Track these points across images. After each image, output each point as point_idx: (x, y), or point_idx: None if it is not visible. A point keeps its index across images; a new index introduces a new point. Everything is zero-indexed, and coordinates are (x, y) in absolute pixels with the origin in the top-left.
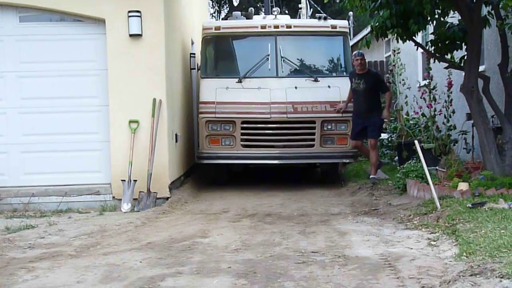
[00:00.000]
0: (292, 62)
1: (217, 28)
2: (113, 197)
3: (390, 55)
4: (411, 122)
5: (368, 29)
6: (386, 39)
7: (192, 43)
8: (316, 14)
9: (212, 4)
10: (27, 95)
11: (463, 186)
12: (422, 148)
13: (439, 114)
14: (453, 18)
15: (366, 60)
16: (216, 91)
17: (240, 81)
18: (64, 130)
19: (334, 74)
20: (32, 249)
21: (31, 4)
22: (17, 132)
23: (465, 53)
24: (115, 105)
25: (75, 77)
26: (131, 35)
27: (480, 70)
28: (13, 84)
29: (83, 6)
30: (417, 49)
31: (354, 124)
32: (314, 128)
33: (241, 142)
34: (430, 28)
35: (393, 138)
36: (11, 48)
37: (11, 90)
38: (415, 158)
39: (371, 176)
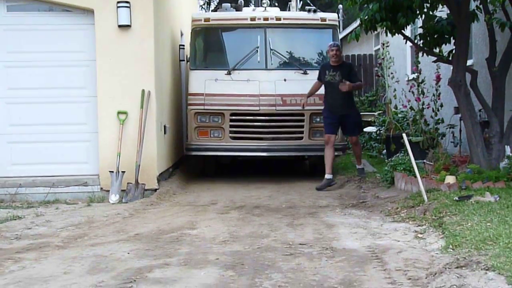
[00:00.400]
0: (282, 55)
1: (207, 20)
2: (101, 188)
3: (379, 49)
4: (399, 115)
5: (358, 22)
6: (375, 32)
7: (182, 34)
8: (306, 7)
9: None
10: (14, 85)
11: (450, 179)
12: (410, 141)
13: (427, 108)
14: (442, 12)
15: (357, 54)
16: (205, 83)
17: (229, 73)
18: (52, 121)
19: None
20: (19, 240)
21: None
22: (4, 122)
23: (454, 47)
24: (103, 96)
25: (63, 68)
26: (120, 26)
27: (468, 64)
28: (0, 74)
29: None
30: (406, 43)
31: (328, 118)
32: (303, 120)
33: (230, 134)
34: (419, 22)
35: (381, 131)
36: None
37: None
38: (403, 151)
39: (358, 167)
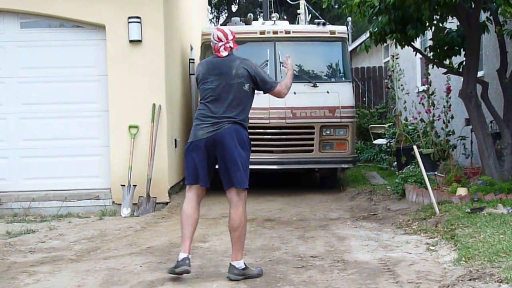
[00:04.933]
0: None
1: None
2: (113, 202)
3: (388, 61)
4: (409, 127)
5: (367, 34)
6: (385, 44)
7: (191, 48)
8: (315, 20)
9: (211, 10)
10: (27, 100)
11: (462, 191)
12: (420, 153)
13: (438, 120)
14: (452, 23)
15: (366, 66)
16: None
17: None
18: (64, 135)
19: (333, 80)
20: (33, 253)
21: (32, 10)
22: (18, 137)
23: (464, 58)
24: (115, 110)
25: (75, 83)
26: (131, 41)
27: (478, 75)
28: (14, 90)
29: (83, 12)
30: (415, 55)
31: (191, 157)
32: (313, 133)
33: None
34: (429, 34)
35: (391, 144)
36: (12, 54)
37: (11, 96)
38: (413, 164)
39: (232, 263)
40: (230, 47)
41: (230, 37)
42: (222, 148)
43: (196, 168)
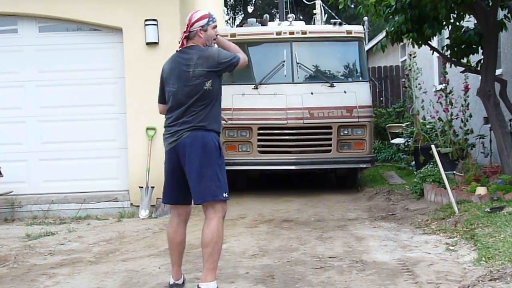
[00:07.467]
0: (308, 68)
1: (233, 35)
2: (131, 203)
3: (405, 60)
4: (427, 126)
5: (383, 34)
6: (402, 43)
7: None
8: (331, 20)
9: (227, 12)
10: (46, 103)
11: (481, 190)
12: (439, 152)
13: (456, 118)
14: (469, 22)
15: (383, 66)
16: (232, 97)
17: (256, 88)
18: (82, 138)
19: (350, 79)
20: (53, 255)
21: (50, 14)
22: (37, 140)
23: (482, 57)
24: (132, 112)
25: (93, 86)
26: (147, 44)
27: (496, 73)
28: (33, 93)
29: (100, 16)
30: (432, 54)
31: (166, 170)
32: (330, 133)
33: (258, 148)
34: (446, 33)
35: (409, 143)
36: (30, 58)
37: (30, 99)
38: (432, 163)
39: (201, 285)
40: (186, 36)
41: (192, 21)
42: (185, 159)
43: (170, 184)
